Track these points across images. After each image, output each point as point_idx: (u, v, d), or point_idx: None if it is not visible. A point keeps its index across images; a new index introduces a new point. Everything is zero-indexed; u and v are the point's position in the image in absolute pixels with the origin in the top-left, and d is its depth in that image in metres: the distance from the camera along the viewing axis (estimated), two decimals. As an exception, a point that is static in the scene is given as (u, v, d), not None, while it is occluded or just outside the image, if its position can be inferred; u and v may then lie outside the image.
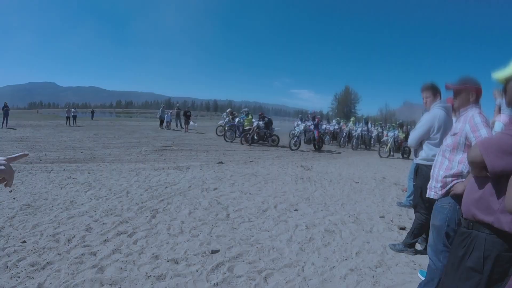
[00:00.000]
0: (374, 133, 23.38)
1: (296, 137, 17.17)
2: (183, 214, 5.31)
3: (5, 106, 24.60)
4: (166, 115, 28.08)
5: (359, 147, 21.04)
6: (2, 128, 21.74)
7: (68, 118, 29.75)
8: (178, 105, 32.56)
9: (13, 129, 21.08)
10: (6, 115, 23.94)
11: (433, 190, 3.07)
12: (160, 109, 28.89)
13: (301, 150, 16.60)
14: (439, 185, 2.98)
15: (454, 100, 3.02)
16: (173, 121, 28.81)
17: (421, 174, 4.18)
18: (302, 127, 17.95)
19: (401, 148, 18.20)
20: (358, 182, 8.90)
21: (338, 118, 27.19)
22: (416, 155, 4.39)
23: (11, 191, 6.15)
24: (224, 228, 4.81)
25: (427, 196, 3.19)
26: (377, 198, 7.37)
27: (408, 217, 6.04)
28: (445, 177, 2.92)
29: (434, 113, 4.06)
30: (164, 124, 27.72)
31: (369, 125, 24.03)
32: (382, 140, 19.42)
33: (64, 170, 8.27)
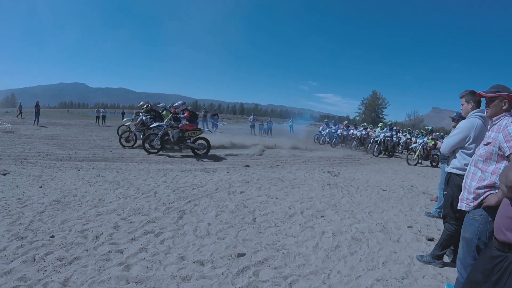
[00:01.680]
0: (402, 139, 22.90)
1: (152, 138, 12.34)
2: (209, 216, 5.36)
3: (37, 105, 25.60)
4: None
5: (381, 154, 20.12)
6: (34, 125, 22.46)
7: (97, 118, 31.14)
8: (205, 107, 32.86)
9: (44, 127, 21.70)
10: (37, 113, 24.82)
11: (464, 202, 3.00)
12: None
13: (166, 154, 12.18)
14: (471, 196, 2.90)
15: (486, 109, 2.94)
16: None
17: (453, 183, 4.09)
18: (157, 123, 12.83)
19: (430, 156, 17.81)
20: (385, 190, 8.76)
21: (365, 124, 26.66)
22: (448, 163, 4.30)
23: (41, 187, 6.33)
24: (251, 232, 4.83)
25: (458, 207, 3.12)
26: (405, 207, 7.24)
27: (437, 228, 5.92)
28: (478, 188, 2.84)
29: (472, 121, 3.92)
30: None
31: (394, 131, 23.35)
32: (410, 147, 19.03)
33: (93, 168, 8.48)
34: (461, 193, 3.09)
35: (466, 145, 3.95)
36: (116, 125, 27.25)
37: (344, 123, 26.49)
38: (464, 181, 3.08)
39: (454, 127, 6.68)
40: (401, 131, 27.28)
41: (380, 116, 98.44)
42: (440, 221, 6.17)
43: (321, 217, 5.86)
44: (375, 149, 19.74)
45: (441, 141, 13.65)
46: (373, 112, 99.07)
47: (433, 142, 17.85)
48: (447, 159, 6.78)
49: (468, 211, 2.97)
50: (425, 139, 18.28)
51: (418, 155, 17.18)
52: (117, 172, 8.21)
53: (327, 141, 23.34)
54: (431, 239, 5.23)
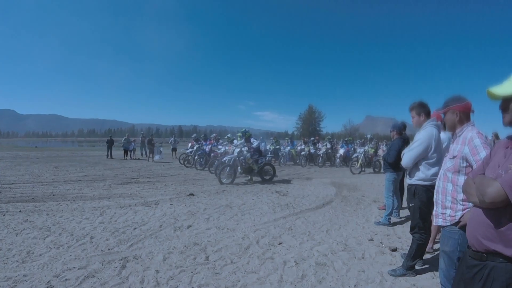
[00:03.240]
0: (322, 150, 22.20)
1: None
2: (156, 261, 4.74)
3: None
4: (131, 144, 26.84)
5: (325, 164, 21.60)
6: None
7: None
8: (142, 132, 31.47)
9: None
10: None
11: (440, 217, 2.94)
12: (124, 138, 27.16)
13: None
14: (448, 211, 2.86)
15: (444, 121, 3.07)
16: (137, 150, 27.83)
17: (419, 194, 4.17)
18: None
19: (372, 163, 18.46)
20: (342, 202, 8.69)
21: (313, 138, 25.92)
22: (410, 175, 4.33)
23: (-43, 237, 5.49)
24: (206, 274, 4.29)
25: (434, 223, 3.10)
26: (361, 219, 7.24)
27: (397, 236, 6.00)
28: (452, 202, 2.83)
29: (430, 131, 4.09)
30: (129, 153, 26.50)
31: (294, 143, 24.73)
32: (353, 156, 19.42)
33: (20, 211, 7.56)
34: (435, 208, 3.05)
35: (429, 155, 4.08)
36: (48, 156, 25.47)
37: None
38: (435, 196, 3.05)
39: (393, 137, 6.90)
40: (319, 142, 25.84)
41: (318, 129, 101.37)
42: (398, 228, 6.57)
43: (279, 244, 5.49)
44: (319, 161, 20.74)
45: (383, 148, 14.00)
46: (310, 125, 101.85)
47: (373, 150, 18.50)
48: (390, 168, 6.99)
49: (446, 226, 2.91)
50: (366, 147, 18.93)
51: (361, 164, 17.65)
52: (47, 214, 7.34)
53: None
54: (395, 250, 5.24)
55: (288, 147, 23.38)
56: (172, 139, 29.83)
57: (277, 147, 23.50)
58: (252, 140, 14.30)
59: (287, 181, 13.61)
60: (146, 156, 25.98)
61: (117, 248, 5.24)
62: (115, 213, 7.55)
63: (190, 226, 6.53)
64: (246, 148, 13.55)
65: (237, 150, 13.37)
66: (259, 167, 13.68)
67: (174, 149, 27.64)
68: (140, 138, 28.42)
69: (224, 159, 14.02)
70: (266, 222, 6.89)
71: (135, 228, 6.32)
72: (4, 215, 7.19)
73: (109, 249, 5.17)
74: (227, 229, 6.37)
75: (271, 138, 25.94)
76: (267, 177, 13.74)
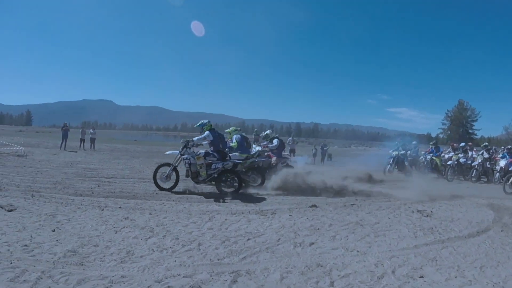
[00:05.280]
0: (478, 160, 20.09)
1: None
2: (272, 279, 4.83)
3: (65, 126, 26.28)
4: None
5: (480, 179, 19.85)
6: (60, 149, 23.31)
7: (82, 140, 28.40)
8: (256, 130, 32.17)
9: (73, 151, 22.37)
10: (65, 136, 25.60)
11: None
12: None
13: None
14: None
15: None
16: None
17: None
18: None
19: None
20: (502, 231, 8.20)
21: (464, 144, 23.89)
22: None
23: (54, 230, 6.11)
24: (331, 303, 4.29)
25: None
26: None
27: None
28: None
29: None
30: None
31: (493, 150, 21.43)
32: (509, 169, 17.60)
33: (120, 207, 8.27)
34: None
35: None
36: (149, 151, 27.21)
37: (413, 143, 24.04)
38: None
39: None
40: (473, 150, 23.25)
41: (470, 131, 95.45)
42: None
43: (420, 277, 5.26)
44: (472, 175, 19.40)
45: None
46: (460, 127, 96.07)
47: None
48: None
49: None
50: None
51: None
52: (150, 214, 7.93)
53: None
54: None
55: (431, 154, 21.96)
56: (290, 138, 29.34)
57: (402, 152, 21.67)
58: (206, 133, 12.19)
59: (431, 199, 12.93)
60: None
61: (228, 259, 5.45)
62: (225, 219, 7.87)
63: (312, 243, 6.55)
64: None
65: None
66: (210, 175, 11.52)
67: (292, 150, 27.04)
68: (253, 136, 28.93)
69: (168, 152, 13.08)
70: (405, 248, 6.65)
71: (248, 239, 6.52)
72: (103, 210, 7.90)
73: (218, 259, 5.40)
74: (357, 251, 6.28)
75: (397, 140, 23.65)
76: (231, 189, 11.62)
